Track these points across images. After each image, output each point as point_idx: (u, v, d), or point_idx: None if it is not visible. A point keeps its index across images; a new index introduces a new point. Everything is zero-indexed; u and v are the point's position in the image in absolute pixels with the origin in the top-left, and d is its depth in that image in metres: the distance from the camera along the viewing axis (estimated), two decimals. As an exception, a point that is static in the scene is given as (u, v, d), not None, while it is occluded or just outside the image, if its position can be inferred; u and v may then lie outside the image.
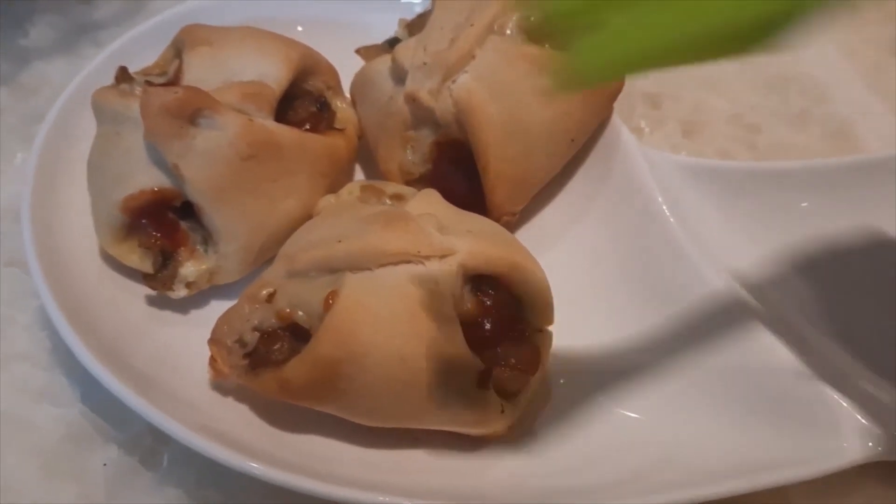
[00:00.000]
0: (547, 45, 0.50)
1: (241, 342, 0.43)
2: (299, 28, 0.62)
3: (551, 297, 0.45)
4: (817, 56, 0.69)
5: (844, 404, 0.43)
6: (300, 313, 0.42)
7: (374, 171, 0.56)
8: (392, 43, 0.55)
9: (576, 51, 0.26)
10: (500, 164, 0.49)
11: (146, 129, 0.46)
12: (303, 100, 0.53)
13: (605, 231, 0.53)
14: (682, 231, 0.50)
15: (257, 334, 0.43)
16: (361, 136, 0.56)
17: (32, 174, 0.52)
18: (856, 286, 0.52)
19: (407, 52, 0.51)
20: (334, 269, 0.42)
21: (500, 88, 0.49)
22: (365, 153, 0.57)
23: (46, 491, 0.46)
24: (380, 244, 0.42)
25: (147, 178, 0.48)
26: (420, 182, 0.52)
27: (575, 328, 0.48)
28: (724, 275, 0.49)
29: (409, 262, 0.42)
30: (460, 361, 0.42)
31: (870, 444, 0.42)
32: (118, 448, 0.47)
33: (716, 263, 0.49)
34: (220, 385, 0.46)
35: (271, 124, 0.49)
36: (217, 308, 0.49)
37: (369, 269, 0.42)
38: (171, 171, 0.47)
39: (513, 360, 0.43)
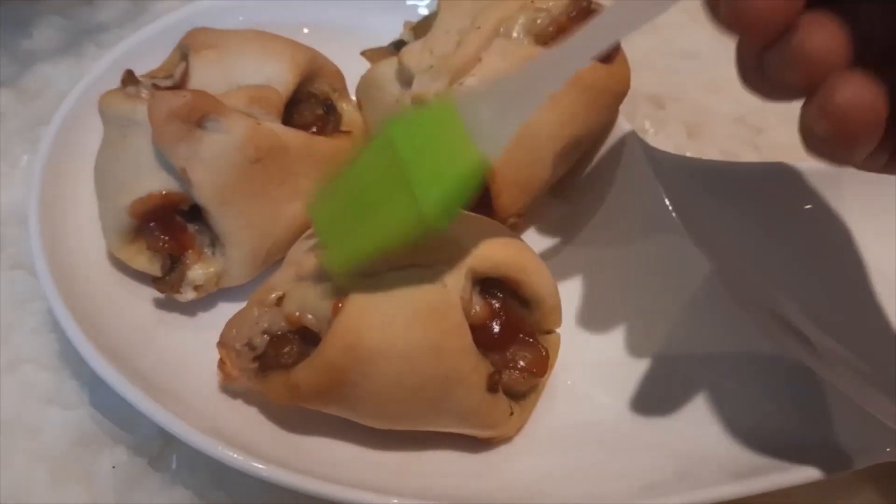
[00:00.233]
0: (553, 49, 0.50)
1: (250, 345, 0.43)
2: (305, 31, 0.61)
3: (559, 300, 0.45)
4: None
5: (850, 404, 0.43)
6: (309, 317, 0.42)
7: (379, 174, 0.56)
8: (398, 45, 0.55)
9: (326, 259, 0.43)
10: (506, 166, 0.49)
11: (154, 133, 0.46)
12: (309, 103, 0.53)
13: (612, 232, 0.53)
14: (688, 231, 0.50)
15: (266, 338, 0.43)
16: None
17: (38, 177, 0.52)
18: (860, 286, 0.52)
19: (413, 55, 0.51)
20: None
21: (506, 91, 0.49)
22: (371, 156, 0.57)
23: (55, 494, 0.46)
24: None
25: (155, 182, 0.48)
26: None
27: (582, 330, 0.49)
28: (729, 275, 0.49)
29: (417, 265, 0.42)
30: (469, 365, 0.42)
31: (877, 444, 0.42)
32: (127, 451, 0.47)
33: (721, 262, 0.49)
34: (228, 388, 0.46)
35: (279, 127, 0.49)
36: (225, 311, 0.50)
37: (377, 273, 0.42)
38: (179, 174, 0.47)
39: (521, 363, 0.44)
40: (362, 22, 0.62)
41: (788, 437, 0.44)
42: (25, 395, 0.49)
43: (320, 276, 0.43)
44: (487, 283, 0.44)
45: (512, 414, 0.44)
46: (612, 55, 0.52)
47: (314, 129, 0.53)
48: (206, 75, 0.51)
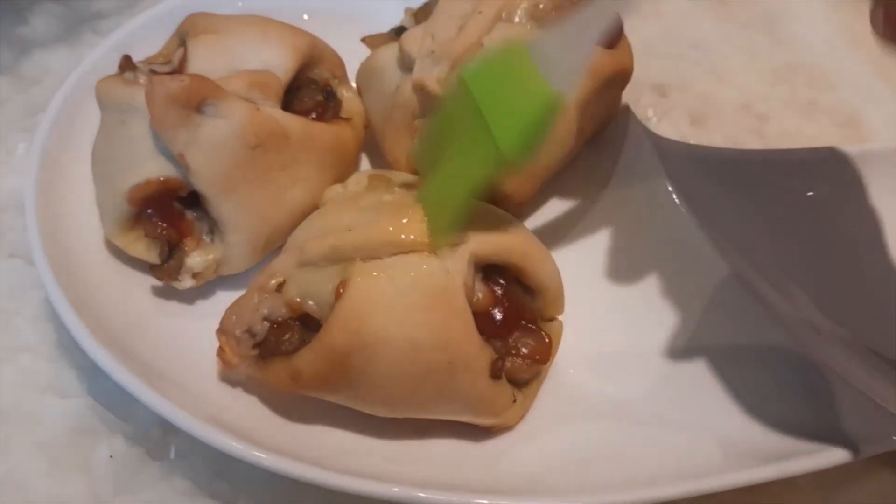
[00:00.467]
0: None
1: (250, 332, 0.43)
2: (305, 17, 0.61)
3: (562, 287, 0.45)
4: (824, 45, 0.69)
5: (857, 393, 0.43)
6: (310, 303, 0.42)
7: (380, 161, 0.56)
8: (398, 31, 0.55)
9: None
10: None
11: (152, 118, 0.46)
12: (309, 89, 0.53)
13: (615, 220, 0.53)
14: (691, 218, 0.49)
15: (267, 324, 0.43)
16: (368, 126, 0.55)
17: (36, 165, 0.51)
18: (864, 274, 0.52)
19: (414, 41, 0.51)
20: (344, 259, 0.42)
21: (508, 77, 0.49)
22: (372, 143, 0.56)
23: (53, 483, 0.46)
24: (390, 233, 0.42)
25: (153, 168, 0.47)
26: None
27: (585, 318, 0.48)
28: (734, 262, 0.48)
29: (419, 251, 0.42)
30: (473, 351, 0.41)
31: (882, 433, 0.41)
32: (125, 440, 0.47)
33: (725, 251, 0.49)
34: (227, 376, 0.46)
35: (278, 113, 0.49)
36: (224, 299, 0.49)
37: (379, 258, 0.42)
38: (177, 160, 0.47)
39: (524, 350, 0.43)
40: (362, 8, 0.61)
41: (794, 425, 0.44)
42: (23, 384, 0.49)
43: (321, 261, 0.43)
44: (490, 270, 0.44)
45: (515, 401, 0.44)
46: (614, 41, 0.52)
47: (314, 116, 0.52)
48: (205, 61, 0.50)
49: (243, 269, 0.50)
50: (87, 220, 0.51)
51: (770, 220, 0.54)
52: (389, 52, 0.53)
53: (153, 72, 0.50)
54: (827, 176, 0.54)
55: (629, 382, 0.47)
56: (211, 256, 0.49)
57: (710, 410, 0.45)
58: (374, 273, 0.41)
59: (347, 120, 0.54)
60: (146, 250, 0.49)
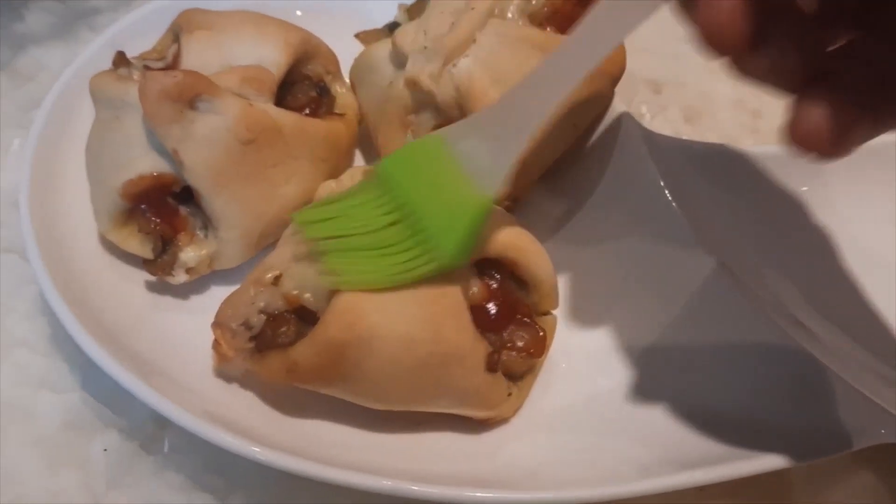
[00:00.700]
0: (549, 29, 0.50)
1: (246, 325, 0.43)
2: (298, 13, 0.61)
3: (556, 281, 0.45)
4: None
5: (848, 387, 0.43)
6: (307, 296, 0.42)
7: (374, 157, 0.56)
8: (392, 27, 0.55)
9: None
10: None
11: (145, 113, 0.46)
12: (302, 85, 0.53)
13: (607, 216, 0.53)
14: (684, 214, 0.49)
15: (263, 317, 0.43)
16: (362, 121, 0.55)
17: (30, 160, 0.51)
18: (858, 270, 0.52)
19: (407, 37, 0.51)
20: None
21: (501, 72, 0.49)
22: (365, 138, 0.56)
23: (47, 478, 0.46)
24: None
25: (146, 164, 0.47)
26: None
27: (575, 313, 0.48)
28: (725, 258, 0.49)
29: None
30: (468, 345, 0.42)
31: (874, 426, 0.42)
32: (119, 434, 0.47)
33: (717, 246, 0.49)
34: (222, 370, 0.46)
35: (271, 108, 0.49)
36: (217, 294, 0.49)
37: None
38: (171, 156, 0.47)
39: (519, 344, 0.44)
40: (356, 4, 0.61)
41: (785, 419, 0.44)
42: (17, 380, 0.49)
43: (317, 255, 0.43)
44: (485, 265, 0.44)
45: (510, 395, 0.44)
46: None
47: (308, 111, 0.52)
48: (199, 56, 0.50)
49: (237, 263, 0.50)
50: (81, 215, 0.51)
51: (763, 216, 0.54)
52: (383, 48, 0.53)
53: (147, 67, 0.50)
54: (821, 171, 0.55)
55: (620, 377, 0.48)
56: (204, 251, 0.49)
57: (702, 404, 0.45)
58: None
59: (341, 115, 0.54)
60: (140, 245, 0.49)
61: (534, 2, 0.50)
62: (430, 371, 0.42)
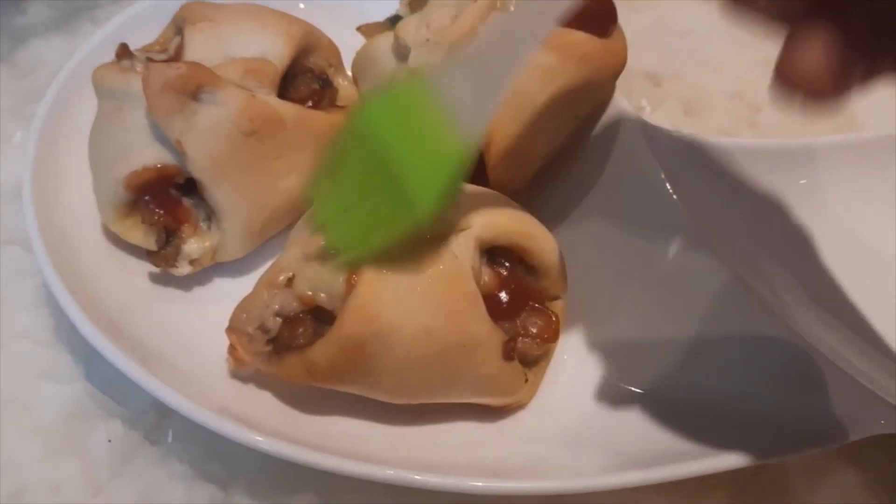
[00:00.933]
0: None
1: (263, 329, 0.43)
2: (301, 5, 0.61)
3: (565, 265, 0.45)
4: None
5: (846, 378, 0.43)
6: (322, 295, 0.42)
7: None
8: (394, 20, 0.55)
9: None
10: (502, 140, 0.49)
11: (149, 105, 0.46)
12: (304, 77, 0.53)
13: (608, 208, 0.53)
14: (683, 206, 0.50)
15: (279, 320, 0.43)
16: (363, 114, 0.55)
17: (32, 152, 0.51)
18: (856, 261, 0.52)
19: (409, 29, 0.51)
20: None
21: (503, 65, 0.49)
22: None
23: (50, 468, 0.46)
24: None
25: (149, 155, 0.48)
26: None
27: (578, 306, 0.49)
28: (723, 249, 0.49)
29: (426, 237, 0.42)
30: (485, 333, 0.42)
31: (872, 417, 0.42)
32: (122, 424, 0.47)
33: (716, 239, 0.49)
34: (221, 362, 0.46)
35: (274, 100, 0.49)
36: (220, 285, 0.50)
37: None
38: (174, 147, 0.47)
39: (533, 330, 0.44)
40: (358, -3, 0.62)
41: (784, 409, 0.44)
42: (20, 370, 0.49)
43: (328, 253, 0.43)
44: (494, 253, 0.44)
45: (527, 381, 0.44)
46: (608, 30, 0.52)
47: (310, 104, 0.52)
48: (202, 48, 0.50)
49: (240, 255, 0.50)
50: (84, 207, 0.51)
51: (761, 209, 0.54)
52: (385, 41, 0.53)
53: (150, 59, 0.50)
54: (819, 165, 0.55)
55: (622, 368, 0.48)
56: (208, 243, 0.49)
57: (703, 395, 0.46)
58: (384, 262, 0.41)
59: (343, 108, 0.54)
60: (143, 237, 0.49)
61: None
62: (449, 362, 0.42)
